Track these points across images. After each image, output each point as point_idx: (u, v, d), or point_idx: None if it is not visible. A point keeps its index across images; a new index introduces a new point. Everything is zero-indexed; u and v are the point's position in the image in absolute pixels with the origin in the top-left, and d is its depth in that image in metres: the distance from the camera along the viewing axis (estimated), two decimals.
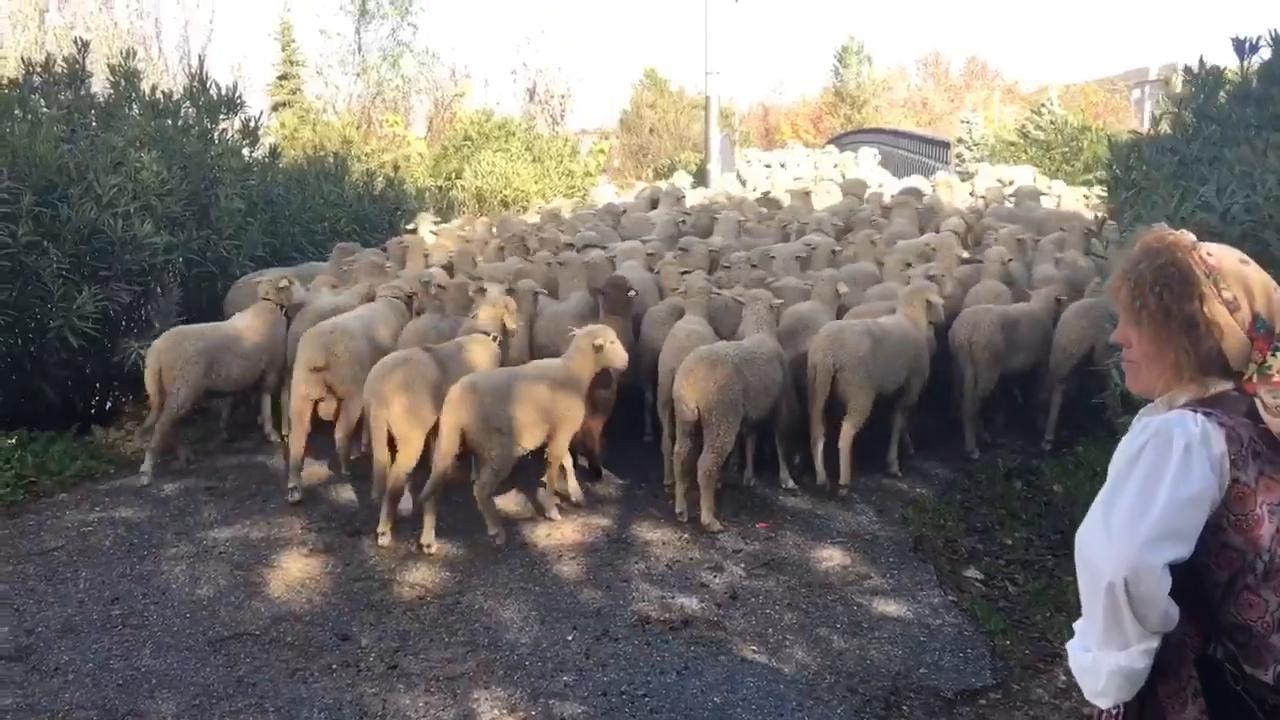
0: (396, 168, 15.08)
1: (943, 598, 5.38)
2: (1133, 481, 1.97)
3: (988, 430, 7.88)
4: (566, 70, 26.96)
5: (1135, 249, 2.16)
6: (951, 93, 52.69)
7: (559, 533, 6.22)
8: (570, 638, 5.00)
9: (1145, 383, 2.14)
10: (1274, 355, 2.00)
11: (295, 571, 5.76)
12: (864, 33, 74.82)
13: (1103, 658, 2.00)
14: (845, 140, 33.29)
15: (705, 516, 6.17)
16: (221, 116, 10.64)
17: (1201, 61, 7.28)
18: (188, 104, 10.46)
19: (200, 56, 12.65)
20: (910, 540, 6.06)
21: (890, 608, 5.26)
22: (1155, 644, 1.98)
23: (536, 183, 17.84)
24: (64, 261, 7.85)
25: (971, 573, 5.70)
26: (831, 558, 5.82)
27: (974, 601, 5.33)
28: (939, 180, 14.37)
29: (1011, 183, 15.77)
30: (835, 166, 20.73)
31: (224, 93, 10.70)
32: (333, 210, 11.99)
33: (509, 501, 6.72)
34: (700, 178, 21.28)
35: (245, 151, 10.67)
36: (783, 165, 21.33)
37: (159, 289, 8.61)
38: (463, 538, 6.14)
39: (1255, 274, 2.08)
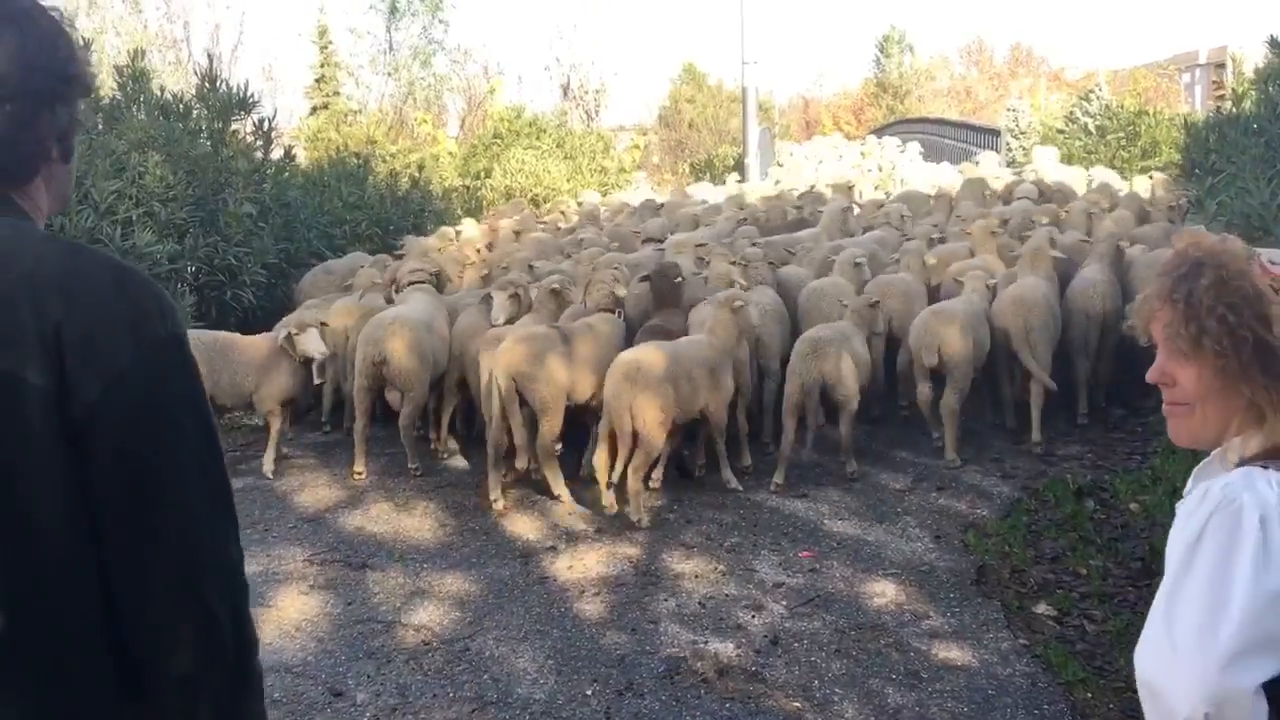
0: (421, 167, 14.58)
1: (1012, 641, 4.74)
2: (1197, 576, 1.57)
3: (1050, 441, 7.25)
4: (601, 65, 26.21)
5: (1170, 261, 1.74)
6: (996, 81, 51.68)
7: (581, 564, 5.66)
8: (590, 692, 4.43)
9: (1196, 431, 1.74)
10: None
11: (291, 612, 5.24)
12: (905, 22, 73.51)
13: None
14: (889, 131, 32.48)
15: (949, 452, 6.79)
16: (234, 117, 10.19)
17: None
18: (199, 105, 10.03)
19: (209, 55, 12.24)
20: (972, 571, 5.43)
21: (952, 653, 4.64)
22: None
23: (569, 180, 17.30)
24: None
25: (1043, 609, 5.06)
26: (884, 593, 5.21)
27: (1047, 645, 4.69)
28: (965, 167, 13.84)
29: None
30: (878, 168, 19.90)
31: (236, 92, 10.26)
32: (353, 213, 11.53)
33: (527, 529, 6.17)
34: (740, 173, 20.63)
35: (259, 154, 10.20)
36: (820, 161, 20.56)
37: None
38: (476, 570, 5.61)
39: None
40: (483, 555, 5.81)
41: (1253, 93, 6.73)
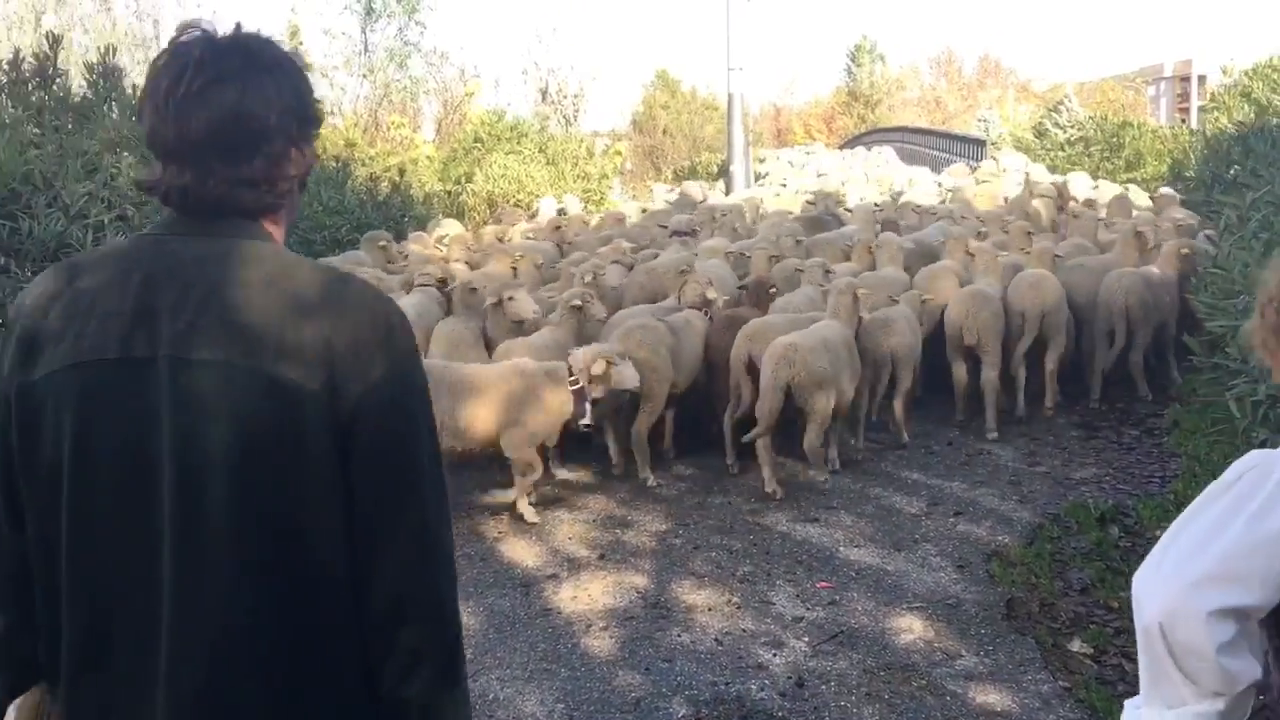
0: (402, 172, 14.20)
1: (1051, 683, 4.46)
2: (1209, 515, 1.70)
3: (1066, 464, 7.02)
4: (579, 69, 25.85)
5: None
6: (965, 91, 51.88)
7: (586, 594, 5.33)
8: None
9: None
10: None
11: None
12: (876, 31, 73.84)
13: (1148, 716, 1.74)
14: (866, 140, 32.39)
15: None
16: None
17: None
18: None
19: None
20: (1001, 604, 5.14)
21: (991, 697, 4.35)
22: (1219, 706, 1.67)
23: (552, 186, 16.95)
24: (27, 281, 6.99)
25: (1078, 646, 4.78)
26: (911, 628, 4.91)
27: (1089, 687, 4.41)
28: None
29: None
30: (864, 176, 19.76)
31: None
32: (333, 218, 11.15)
33: (526, 555, 5.84)
34: (725, 180, 20.36)
35: None
36: (803, 166, 20.40)
37: None
38: (474, 601, 5.26)
39: None
40: (480, 584, 5.47)
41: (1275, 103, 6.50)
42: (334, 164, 12.49)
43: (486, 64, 67.62)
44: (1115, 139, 19.48)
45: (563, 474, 7.04)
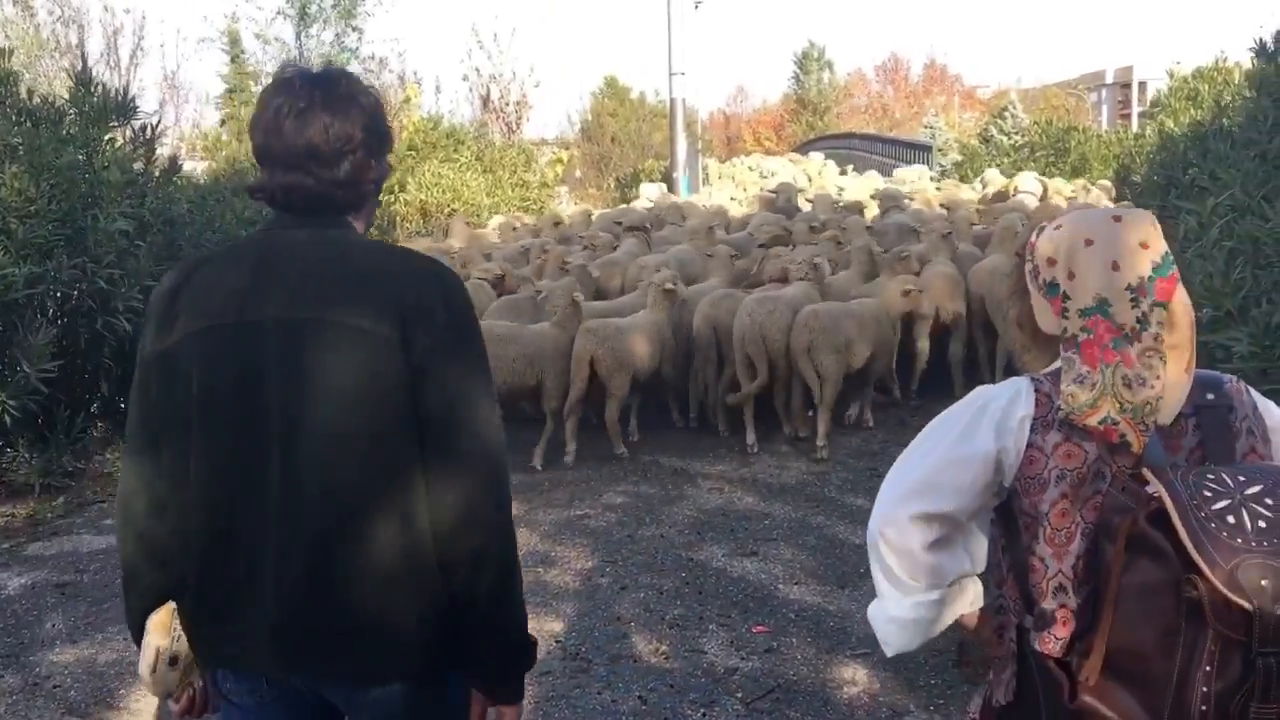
0: None
1: None
2: (926, 440, 2.01)
3: None
4: (522, 77, 25.26)
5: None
6: (912, 98, 52.04)
7: None
8: None
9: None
10: (1073, 316, 1.90)
11: (147, 717, 4.33)
12: (823, 38, 73.94)
13: (881, 607, 2.05)
14: (816, 146, 32.16)
15: None
16: (112, 124, 9.14)
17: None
18: (72, 110, 8.97)
19: (82, 53, 11.12)
20: (951, 649, 4.66)
21: None
22: (934, 596, 1.99)
23: (489, 195, 16.40)
24: None
25: None
26: (854, 679, 4.45)
27: None
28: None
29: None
30: (808, 179, 19.45)
31: (115, 96, 9.22)
32: (250, 230, 10.51)
33: None
34: (668, 187, 19.91)
35: (138, 164, 9.17)
36: (755, 169, 20.06)
37: (22, 329, 7.13)
38: None
39: (1062, 232, 1.95)
40: None
41: (1236, 104, 6.13)
42: (254, 172, 11.85)
43: (428, 71, 66.61)
44: (1061, 144, 19.30)
45: None
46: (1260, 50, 6.00)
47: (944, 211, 11.17)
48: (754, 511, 6.35)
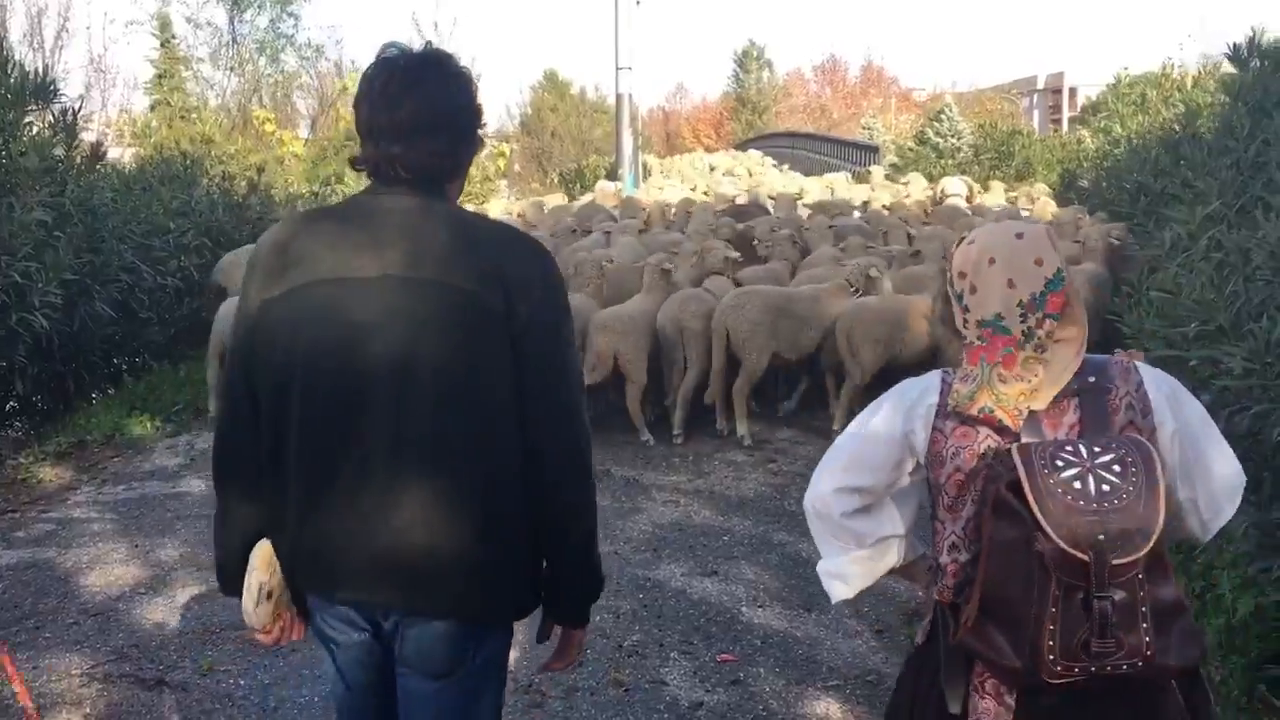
0: (261, 170, 13.02)
1: None
2: (857, 421, 2.32)
3: None
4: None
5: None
6: (849, 99, 52.25)
7: None
8: None
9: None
10: (971, 326, 2.18)
11: None
12: (763, 38, 74.10)
13: (822, 564, 2.38)
14: (757, 144, 32.02)
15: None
16: (30, 107, 8.59)
17: (1254, 39, 5.85)
18: None
19: (2, 34, 10.52)
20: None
21: None
22: (861, 554, 2.30)
23: None
24: None
25: None
26: (827, 713, 4.17)
27: None
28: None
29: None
30: (748, 173, 19.26)
31: (33, 79, 8.67)
32: (178, 221, 10.03)
33: None
34: (612, 182, 19.56)
35: (58, 150, 8.63)
36: (695, 166, 19.82)
37: None
38: (310, 686, 4.38)
39: (973, 248, 2.19)
40: (317, 662, 4.57)
41: (1213, 107, 5.96)
42: (182, 161, 11.32)
43: (367, 59, 65.30)
44: (1005, 147, 19.31)
45: None
46: (1235, 55, 5.84)
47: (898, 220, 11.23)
48: (712, 527, 6.06)
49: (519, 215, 13.20)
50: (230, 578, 2.32)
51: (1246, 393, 4.17)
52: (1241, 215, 5.01)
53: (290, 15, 25.89)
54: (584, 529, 2.28)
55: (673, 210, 12.67)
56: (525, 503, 2.20)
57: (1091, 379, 2.14)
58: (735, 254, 8.48)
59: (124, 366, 9.38)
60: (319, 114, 25.42)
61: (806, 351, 7.66)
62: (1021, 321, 2.11)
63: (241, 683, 4.43)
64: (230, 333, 2.26)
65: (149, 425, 8.26)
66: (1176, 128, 6.95)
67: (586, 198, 15.57)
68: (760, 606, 5.07)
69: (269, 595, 2.28)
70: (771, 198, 14.51)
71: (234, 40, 25.23)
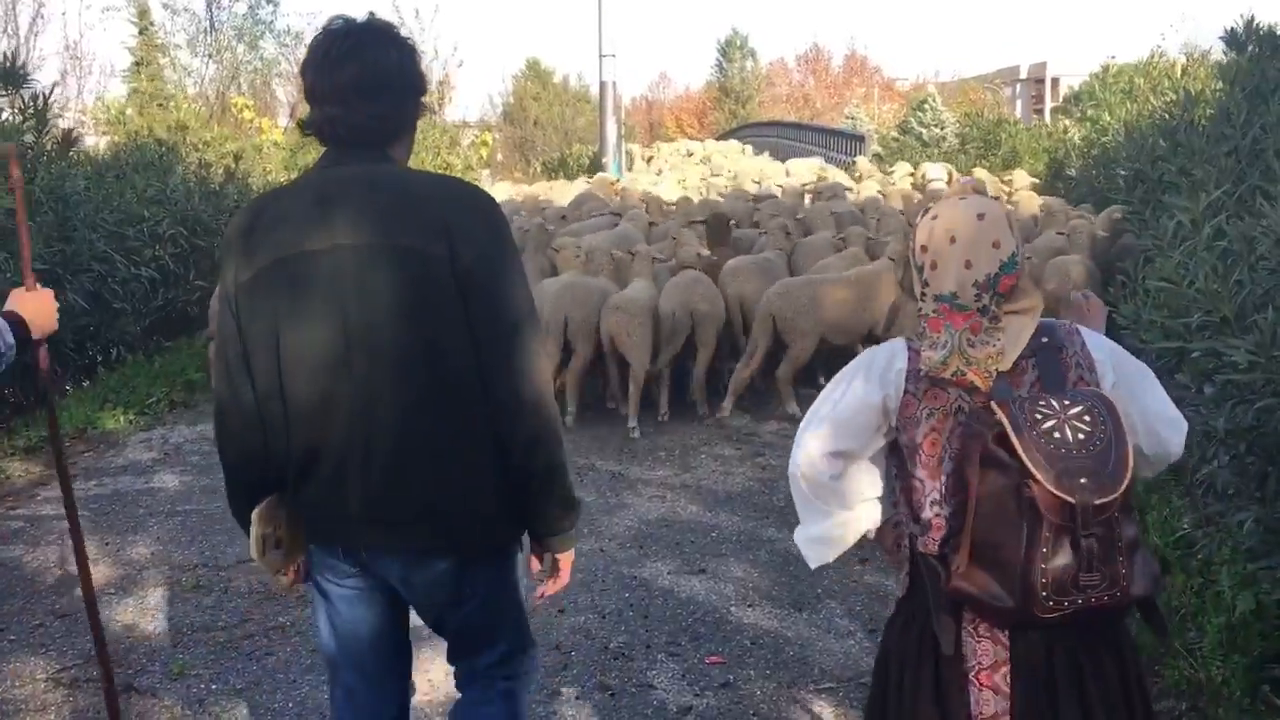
0: (238, 158, 12.77)
1: None
2: (825, 393, 2.44)
3: None
4: (445, 55, 24.44)
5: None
6: (832, 89, 52.11)
7: (425, 680, 4.31)
8: None
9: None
10: (929, 299, 2.33)
11: None
12: (746, 26, 73.82)
13: (803, 531, 2.49)
14: (739, 134, 31.86)
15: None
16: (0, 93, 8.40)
17: (1252, 24, 5.72)
18: None
19: None
20: None
21: None
22: (845, 517, 2.41)
23: None
24: None
25: None
26: (821, 717, 4.05)
27: None
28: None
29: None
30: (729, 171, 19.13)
31: (3, 63, 8.47)
32: (152, 209, 9.81)
33: None
34: (594, 173, 19.37)
35: (29, 136, 8.42)
36: (687, 155, 19.68)
37: None
38: (284, 692, 4.22)
39: (937, 224, 2.33)
40: (293, 665, 4.42)
41: (1215, 93, 5.84)
42: (157, 148, 11.09)
43: None
44: (991, 136, 19.20)
45: None
46: (1231, 40, 5.71)
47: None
48: (699, 523, 5.92)
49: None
50: (248, 530, 2.55)
51: (1251, 387, 4.05)
52: (1240, 204, 4.89)
53: (269, 2, 25.52)
54: (547, 456, 2.40)
55: (671, 205, 12.62)
56: (489, 440, 2.37)
57: (1045, 340, 2.32)
58: (705, 251, 8.32)
59: (98, 358, 9.16)
60: (297, 101, 25.11)
61: (858, 337, 7.75)
62: (976, 300, 2.27)
63: (213, 687, 4.27)
64: (219, 315, 2.44)
65: (122, 419, 8.07)
66: (1167, 115, 6.83)
67: (580, 186, 15.33)
68: (750, 606, 4.93)
69: (276, 544, 2.53)
70: (756, 181, 14.95)
71: (212, 27, 24.87)
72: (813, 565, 2.52)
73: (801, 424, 2.47)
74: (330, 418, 2.33)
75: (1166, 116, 6.89)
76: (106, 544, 5.76)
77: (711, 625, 4.75)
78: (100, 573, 5.35)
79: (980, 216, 2.29)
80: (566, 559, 2.61)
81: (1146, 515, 5.43)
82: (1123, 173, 6.88)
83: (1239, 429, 4.19)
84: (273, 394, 2.36)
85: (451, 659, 2.73)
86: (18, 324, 2.77)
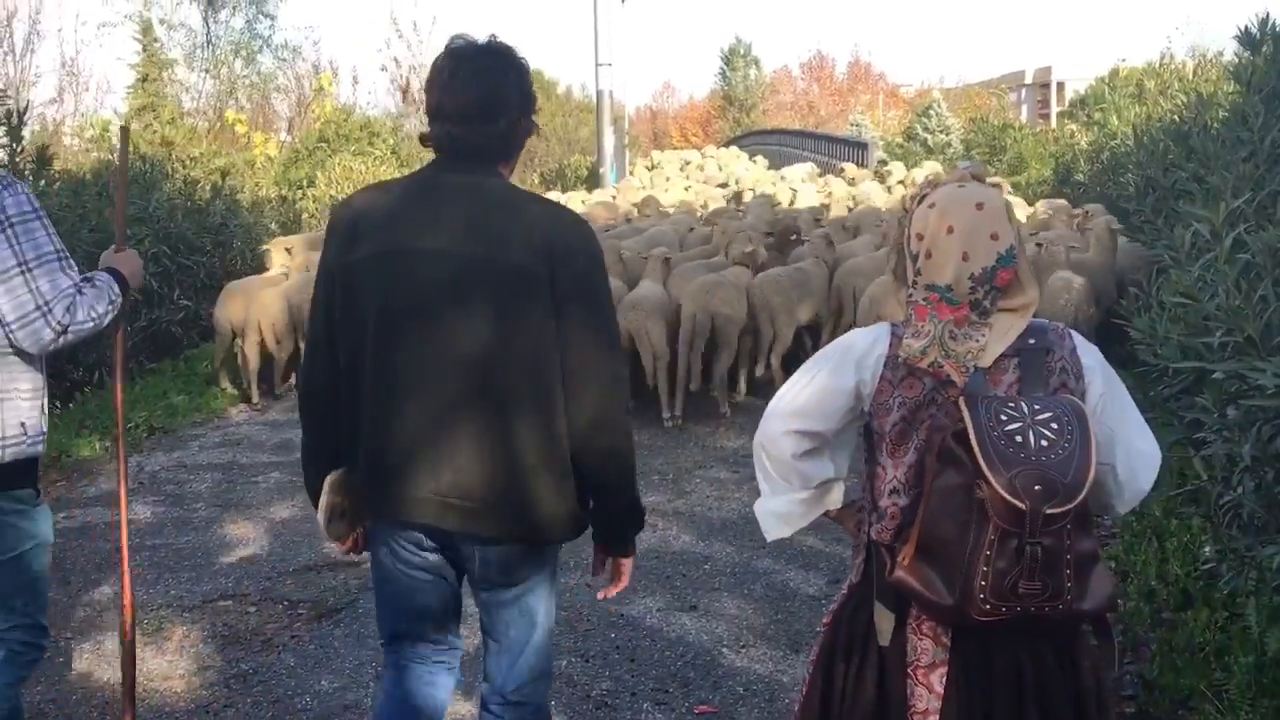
0: (225, 174, 12.51)
1: None
2: (801, 370, 2.42)
3: None
4: None
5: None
6: (836, 96, 51.92)
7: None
8: None
9: None
10: (919, 287, 2.29)
11: None
12: (749, 35, 73.61)
13: (761, 503, 2.50)
14: (743, 143, 31.61)
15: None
16: None
17: (1267, 22, 5.41)
18: None
19: None
20: None
21: None
22: (802, 495, 2.41)
23: None
24: None
25: None
26: None
27: None
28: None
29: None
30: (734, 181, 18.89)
31: None
32: (135, 226, 9.55)
33: (318, 674, 4.49)
34: (592, 183, 19.13)
35: (1, 155, 8.17)
36: (685, 163, 19.45)
37: None
38: None
39: (934, 213, 2.28)
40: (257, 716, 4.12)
41: (1229, 95, 5.53)
42: (141, 165, 10.84)
43: (345, 61, 64.77)
44: (997, 141, 18.90)
45: None
46: (1246, 39, 5.41)
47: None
48: (692, 554, 5.62)
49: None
50: (316, 500, 2.70)
51: (1278, 411, 3.75)
52: (1261, 212, 4.58)
53: (266, 16, 25.35)
54: (620, 468, 2.60)
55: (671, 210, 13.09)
56: (566, 446, 2.54)
57: (1032, 341, 2.26)
58: (757, 248, 8.76)
59: (81, 382, 8.89)
60: (295, 115, 24.92)
61: None
62: (970, 293, 2.23)
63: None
64: (314, 288, 2.64)
65: (98, 446, 7.80)
66: (1177, 118, 6.54)
67: (599, 195, 15.24)
68: (743, 647, 4.62)
69: (341, 514, 2.69)
70: (750, 189, 15.20)
71: (209, 42, 24.70)
72: (769, 538, 2.52)
73: (774, 398, 2.45)
74: (410, 403, 2.51)
75: (1177, 120, 6.61)
76: (69, 583, 5.47)
77: (702, 670, 4.44)
78: (58, 615, 5.07)
79: (979, 206, 2.24)
80: (627, 564, 2.80)
81: (1166, 542, 5.14)
82: (1134, 179, 6.59)
83: (1266, 456, 3.90)
84: (356, 373, 2.56)
85: (487, 665, 2.83)
86: (117, 277, 3.09)
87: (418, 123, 22.59)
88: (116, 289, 3.04)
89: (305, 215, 13.18)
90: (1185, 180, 5.46)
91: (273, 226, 12.31)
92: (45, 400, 3.13)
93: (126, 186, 3.50)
